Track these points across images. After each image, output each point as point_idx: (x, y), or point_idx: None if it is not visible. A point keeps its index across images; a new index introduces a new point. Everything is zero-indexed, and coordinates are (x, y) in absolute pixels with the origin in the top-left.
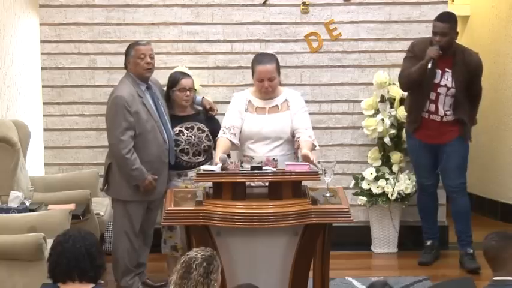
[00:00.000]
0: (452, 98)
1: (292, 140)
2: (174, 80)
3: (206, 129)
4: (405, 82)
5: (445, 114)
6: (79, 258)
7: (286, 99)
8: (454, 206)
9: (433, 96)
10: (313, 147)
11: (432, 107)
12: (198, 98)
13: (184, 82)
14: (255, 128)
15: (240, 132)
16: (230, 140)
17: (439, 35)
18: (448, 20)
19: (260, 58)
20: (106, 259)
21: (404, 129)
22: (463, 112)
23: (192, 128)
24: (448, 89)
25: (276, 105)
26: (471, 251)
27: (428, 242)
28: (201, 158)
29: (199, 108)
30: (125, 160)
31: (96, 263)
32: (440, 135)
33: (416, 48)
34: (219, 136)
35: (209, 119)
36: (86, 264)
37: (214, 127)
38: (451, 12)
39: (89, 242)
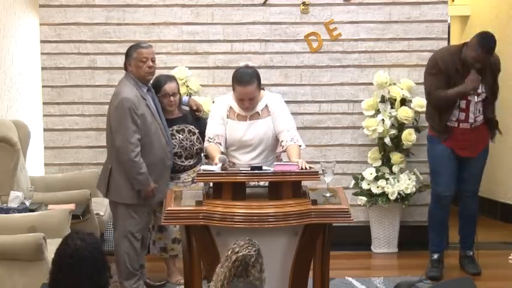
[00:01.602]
0: (482, 103)
1: (274, 146)
2: (157, 86)
3: (196, 130)
4: (440, 105)
5: (475, 121)
6: (83, 285)
7: (266, 105)
8: (464, 209)
9: (463, 104)
10: (299, 150)
11: (462, 116)
12: (185, 98)
13: (168, 88)
14: (237, 136)
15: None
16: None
17: (481, 64)
18: (493, 51)
19: (240, 77)
20: (109, 263)
21: (403, 128)
22: (491, 111)
23: (183, 130)
24: (479, 94)
25: (257, 112)
26: (471, 253)
27: (435, 256)
28: (192, 161)
29: (186, 109)
30: (133, 163)
31: (101, 283)
32: (473, 146)
33: (441, 64)
34: (205, 145)
35: (197, 120)
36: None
37: (203, 128)
38: (494, 38)
39: (91, 266)
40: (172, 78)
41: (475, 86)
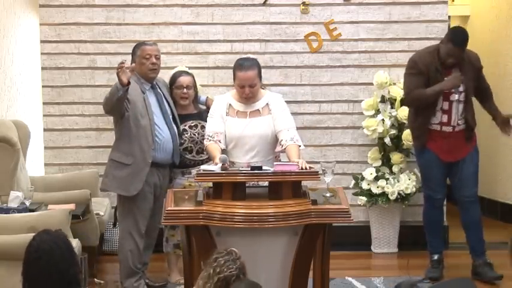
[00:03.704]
0: (463, 103)
1: (273, 145)
2: (173, 78)
3: None
4: (418, 103)
5: (458, 124)
6: (54, 279)
7: (267, 103)
8: (466, 215)
9: (446, 106)
10: (298, 150)
11: (444, 118)
12: (203, 97)
13: (182, 80)
14: (236, 132)
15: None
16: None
17: (454, 59)
18: (465, 45)
19: (241, 64)
20: (80, 267)
21: (403, 128)
22: (471, 116)
23: (196, 126)
24: (460, 93)
25: (257, 110)
26: (489, 260)
27: (435, 257)
28: (204, 156)
29: (203, 107)
30: (105, 98)
31: (71, 276)
32: (456, 150)
33: (420, 65)
34: (205, 143)
35: None
36: (63, 284)
37: None
38: (466, 32)
39: (58, 257)
40: (189, 73)
41: (456, 84)
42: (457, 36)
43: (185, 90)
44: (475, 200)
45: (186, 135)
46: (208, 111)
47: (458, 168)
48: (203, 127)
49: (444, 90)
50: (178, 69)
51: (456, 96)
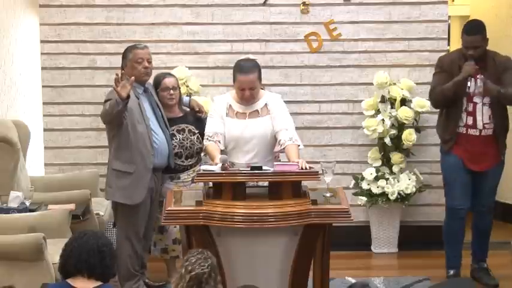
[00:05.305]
0: (489, 108)
1: (272, 145)
2: (157, 81)
3: (196, 131)
4: (439, 99)
5: (484, 127)
6: (90, 253)
7: (266, 104)
8: (478, 222)
9: (470, 107)
10: (298, 149)
11: (470, 120)
12: (186, 98)
13: (167, 81)
14: (235, 133)
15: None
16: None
17: (471, 49)
18: (476, 32)
19: (242, 66)
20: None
21: (403, 128)
22: (501, 123)
23: (184, 130)
24: (483, 96)
25: (256, 110)
26: (485, 265)
27: (452, 272)
28: (192, 161)
29: (187, 109)
30: (104, 110)
31: (106, 262)
32: (482, 160)
33: (444, 63)
34: (204, 143)
35: (197, 120)
36: (96, 260)
37: (203, 128)
38: (478, 21)
39: (102, 241)
40: (171, 74)
41: (469, 71)
42: (467, 25)
43: (171, 91)
44: (491, 209)
45: (175, 140)
46: (192, 113)
47: (481, 179)
48: (190, 131)
49: (459, 80)
50: (177, 69)
51: (479, 99)
